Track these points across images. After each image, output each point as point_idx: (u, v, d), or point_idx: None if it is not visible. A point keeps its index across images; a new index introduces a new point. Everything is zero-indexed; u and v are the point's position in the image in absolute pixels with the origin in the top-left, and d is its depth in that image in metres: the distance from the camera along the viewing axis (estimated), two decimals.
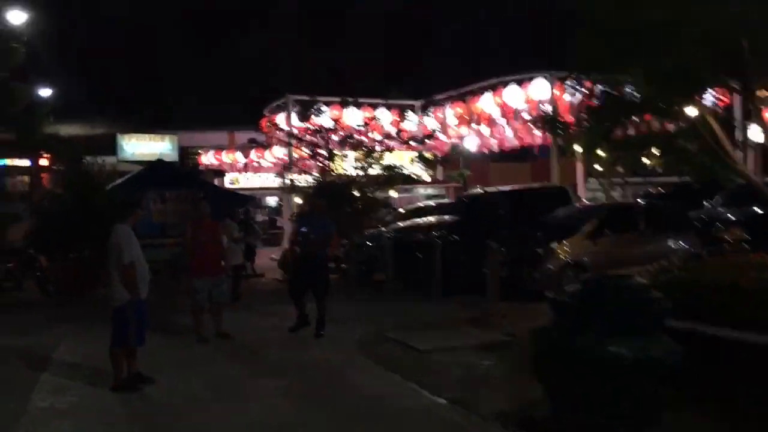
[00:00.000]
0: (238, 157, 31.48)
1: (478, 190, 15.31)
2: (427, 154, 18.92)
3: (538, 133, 23.43)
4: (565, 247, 11.56)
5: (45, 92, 28.23)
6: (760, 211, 13.32)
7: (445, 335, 9.05)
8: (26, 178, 30.70)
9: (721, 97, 18.73)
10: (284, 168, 19.91)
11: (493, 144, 25.10)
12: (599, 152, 19.27)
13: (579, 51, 9.96)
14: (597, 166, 20.94)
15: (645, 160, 20.52)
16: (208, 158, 32.38)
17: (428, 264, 12.39)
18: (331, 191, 16.99)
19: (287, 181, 19.42)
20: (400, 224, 15.36)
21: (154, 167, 16.15)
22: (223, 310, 9.37)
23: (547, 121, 19.67)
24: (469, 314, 10.52)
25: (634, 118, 17.44)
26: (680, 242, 12.10)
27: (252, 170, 31.68)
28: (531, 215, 13.39)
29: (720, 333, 5.47)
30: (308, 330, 9.24)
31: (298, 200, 21.13)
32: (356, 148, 18.11)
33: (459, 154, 21.33)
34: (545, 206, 13.72)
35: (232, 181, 31.79)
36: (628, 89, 17.20)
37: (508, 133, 23.74)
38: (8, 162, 29.23)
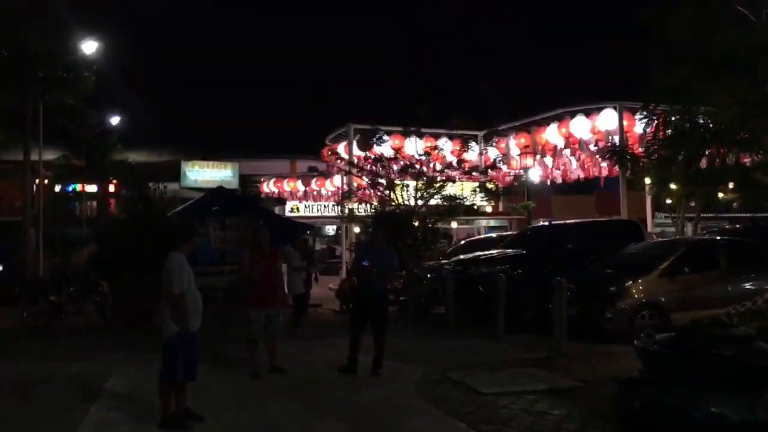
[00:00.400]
0: (299, 185, 31.55)
1: (545, 222, 14.64)
2: (490, 185, 18.34)
3: (603, 164, 22.64)
4: (639, 286, 10.79)
5: (115, 120, 28.97)
6: None
7: (511, 377, 8.42)
8: (94, 203, 31.45)
9: None
10: (344, 197, 19.61)
11: (557, 175, 24.38)
12: (671, 186, 18.30)
13: (656, 77, 9.35)
14: (668, 200, 19.95)
15: (720, 194, 19.44)
16: (269, 186, 32.52)
17: (491, 299, 11.76)
18: (390, 221, 16.61)
19: (346, 210, 19.13)
20: (462, 256, 14.78)
21: (215, 194, 16.05)
22: (277, 343, 8.95)
23: (616, 153, 18.86)
24: (536, 354, 9.87)
25: (709, 150, 16.57)
26: (766, 282, 11.18)
27: (312, 199, 31.68)
28: (601, 250, 12.70)
29: None
30: (365, 364, 8.71)
31: (356, 229, 20.83)
32: (417, 178, 17.70)
33: (522, 185, 20.68)
34: (615, 241, 13.02)
35: (292, 209, 31.80)
36: (702, 120, 16.43)
37: (573, 164, 23.00)
38: (78, 187, 29.99)
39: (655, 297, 10.70)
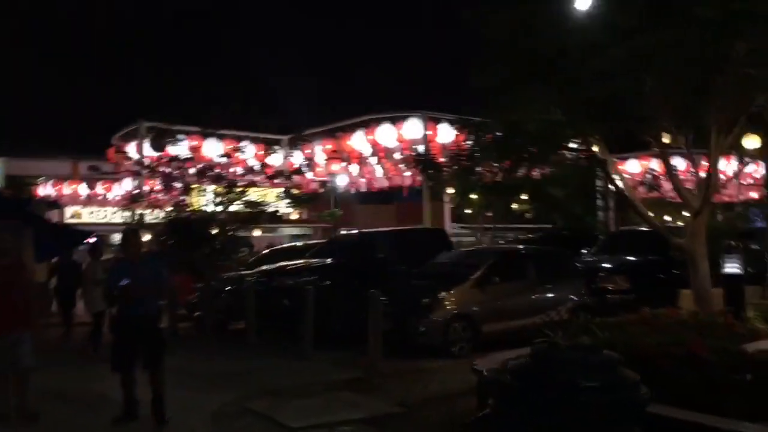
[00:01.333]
0: (81, 189, 28.23)
1: (353, 231, 13.86)
2: (295, 191, 17.25)
3: (407, 174, 22.60)
4: (452, 297, 10.28)
5: None
6: (635, 260, 12.87)
7: (322, 405, 7.37)
8: None
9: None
10: (132, 201, 17.42)
11: (362, 183, 23.97)
12: (472, 196, 18.49)
13: (474, 78, 8.84)
14: (468, 210, 20.24)
15: (514, 205, 20.09)
16: (46, 189, 28.79)
17: (298, 313, 10.66)
18: (185, 229, 14.95)
19: (136, 216, 16.99)
20: (265, 267, 13.51)
21: None
22: (27, 378, 7.00)
23: (421, 162, 18.73)
24: (349, 375, 8.93)
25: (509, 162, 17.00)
26: (568, 292, 11.24)
27: (97, 204, 28.52)
28: (410, 259, 12.16)
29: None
30: (145, 407, 7.01)
31: (147, 237, 18.72)
32: (216, 182, 16.15)
33: (329, 191, 19.83)
34: (424, 250, 12.58)
35: (73, 215, 28.43)
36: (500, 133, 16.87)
37: (379, 172, 22.69)
38: None
39: (468, 308, 10.27)
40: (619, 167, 26.29)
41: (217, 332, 12.83)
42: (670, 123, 8.27)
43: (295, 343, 10.63)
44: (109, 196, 27.50)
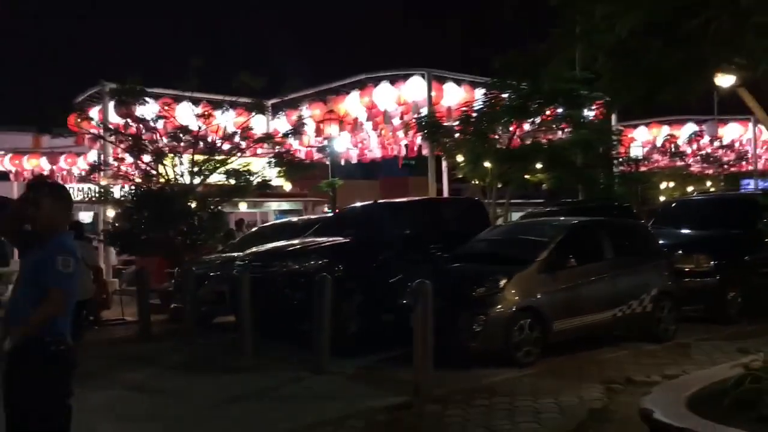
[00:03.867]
0: (43, 162, 24.88)
1: (368, 202, 10.91)
2: (288, 158, 14.17)
3: (404, 142, 19.74)
4: (513, 285, 7.46)
5: None
6: (715, 235, 10.14)
7: None
8: None
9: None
10: (93, 170, 14.24)
11: (353, 154, 21.02)
12: (486, 164, 15.66)
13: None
14: (476, 182, 17.39)
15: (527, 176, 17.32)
16: (3, 164, 25.37)
17: (306, 308, 7.78)
18: (158, 202, 11.99)
19: (97, 189, 13.85)
20: (256, 249, 10.43)
21: None
22: None
23: (426, 125, 15.81)
24: (389, 398, 6.12)
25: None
26: (650, 275, 8.54)
27: (62, 179, 25.11)
28: (443, 236, 9.35)
29: None
30: None
31: (111, 213, 15.59)
32: (193, 149, 13.15)
33: (328, 157, 16.73)
34: (458, 225, 9.81)
35: None
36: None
37: (373, 140, 19.74)
38: None
39: (535, 299, 7.48)
40: (629, 135, 23.84)
41: (200, 329, 9.89)
42: None
43: (302, 347, 7.79)
44: (75, 171, 24.15)
